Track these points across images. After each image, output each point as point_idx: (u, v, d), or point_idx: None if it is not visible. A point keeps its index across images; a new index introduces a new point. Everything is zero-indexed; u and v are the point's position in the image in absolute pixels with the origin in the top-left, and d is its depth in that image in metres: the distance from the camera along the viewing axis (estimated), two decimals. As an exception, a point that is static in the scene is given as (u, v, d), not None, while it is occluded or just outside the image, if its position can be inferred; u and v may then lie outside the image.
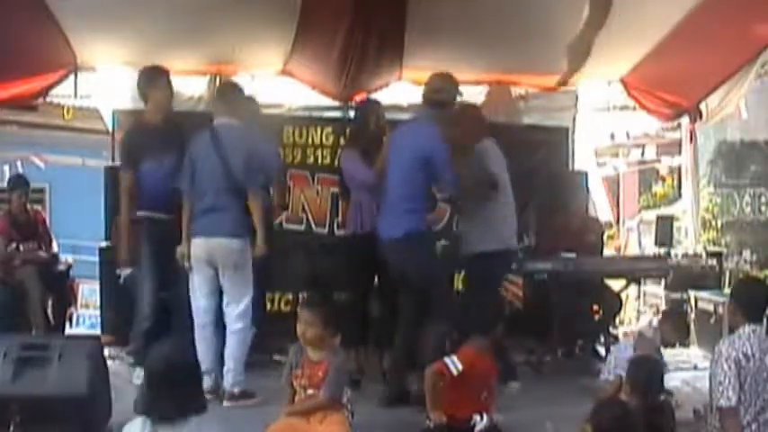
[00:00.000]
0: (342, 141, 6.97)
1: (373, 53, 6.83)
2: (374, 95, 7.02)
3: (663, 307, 7.76)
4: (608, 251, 8.89)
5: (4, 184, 7.89)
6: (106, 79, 7.09)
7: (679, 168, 9.44)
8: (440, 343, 5.02)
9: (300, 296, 6.60)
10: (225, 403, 5.14)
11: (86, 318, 9.73)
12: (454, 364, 4.41)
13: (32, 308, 6.75)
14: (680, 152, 8.90)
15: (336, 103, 7.61)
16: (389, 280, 5.54)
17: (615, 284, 7.12)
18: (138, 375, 5.07)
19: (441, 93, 5.37)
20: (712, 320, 7.05)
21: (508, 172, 5.84)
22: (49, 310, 7.10)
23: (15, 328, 6.18)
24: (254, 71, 7.31)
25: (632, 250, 10.81)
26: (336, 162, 6.56)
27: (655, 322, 5.81)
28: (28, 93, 6.92)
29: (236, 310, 5.22)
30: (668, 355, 5.81)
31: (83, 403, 4.42)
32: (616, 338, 6.88)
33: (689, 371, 6.33)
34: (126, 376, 5.56)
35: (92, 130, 9.74)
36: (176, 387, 3.10)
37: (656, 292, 8.55)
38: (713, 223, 10.03)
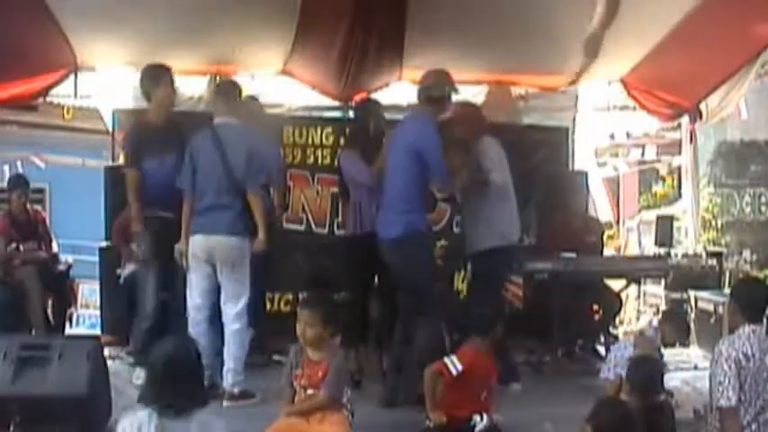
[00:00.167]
0: (342, 141, 6.97)
1: (373, 53, 6.83)
2: (374, 95, 7.02)
3: (663, 307, 7.76)
4: (608, 251, 8.89)
5: (4, 184, 7.88)
6: (106, 79, 7.09)
7: (679, 168, 9.44)
8: (436, 343, 5.03)
9: (300, 296, 6.60)
10: (225, 403, 5.14)
11: (86, 318, 9.73)
12: (454, 364, 4.41)
13: (32, 308, 6.75)
14: (680, 152, 8.90)
15: (336, 103, 7.61)
16: (389, 280, 5.54)
17: (615, 284, 7.12)
18: (138, 375, 5.08)
19: (433, 88, 5.35)
20: (712, 320, 7.05)
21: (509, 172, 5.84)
22: (49, 310, 7.10)
23: (15, 328, 6.18)
24: (254, 71, 7.31)
25: (632, 250, 10.82)
26: (336, 162, 6.56)
27: (655, 322, 5.81)
28: (28, 93, 6.91)
29: (234, 309, 5.22)
30: (668, 355, 5.80)
31: (83, 403, 4.42)
32: (616, 338, 6.88)
33: (689, 371, 6.33)
34: (126, 376, 5.56)
35: (92, 130, 9.75)
36: (181, 379, 3.11)
37: (656, 292, 8.56)
38: (713, 223, 10.04)
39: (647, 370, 4.31)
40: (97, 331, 7.30)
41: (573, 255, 6.42)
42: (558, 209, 7.06)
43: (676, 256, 6.76)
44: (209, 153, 5.25)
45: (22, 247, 6.97)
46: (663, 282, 7.37)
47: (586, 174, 8.14)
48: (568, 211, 7.07)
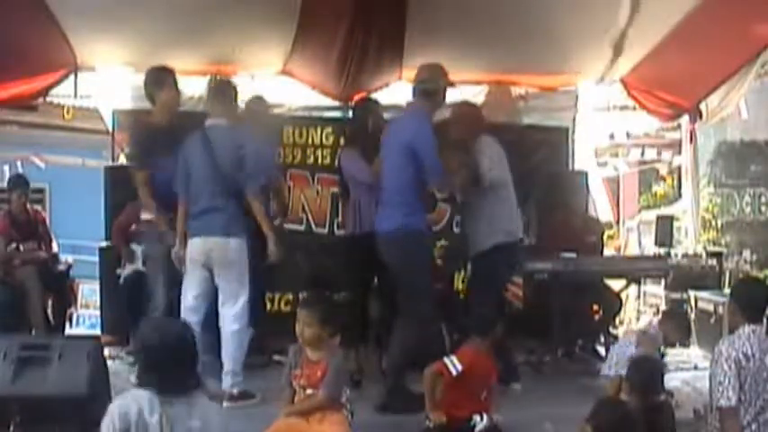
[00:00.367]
0: (342, 141, 6.97)
1: (373, 53, 6.83)
2: (374, 95, 7.02)
3: (663, 307, 7.76)
4: (608, 251, 8.89)
5: (4, 184, 7.88)
6: (106, 79, 7.09)
7: (679, 168, 9.44)
8: (435, 343, 5.03)
9: (300, 296, 6.60)
10: (224, 404, 5.14)
11: (86, 318, 9.73)
12: (454, 364, 4.41)
13: (32, 308, 6.75)
14: (680, 152, 8.90)
15: (336, 103, 7.61)
16: (389, 280, 5.53)
17: (615, 284, 7.12)
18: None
19: (428, 82, 5.32)
20: (712, 320, 7.05)
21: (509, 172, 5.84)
22: (49, 310, 7.10)
23: (15, 328, 6.18)
24: (254, 71, 7.31)
25: (632, 250, 10.82)
26: (336, 162, 6.57)
27: (656, 322, 5.81)
28: (28, 93, 6.91)
29: (232, 311, 5.20)
30: (668, 355, 5.80)
31: (83, 403, 4.42)
32: (616, 338, 6.87)
33: (689, 371, 6.33)
34: (126, 376, 5.55)
35: (92, 130, 9.75)
36: (178, 360, 3.11)
37: (656, 292, 8.55)
38: (713, 223, 10.04)
39: (648, 370, 4.31)
40: (97, 331, 7.30)
41: (573, 255, 6.41)
42: (557, 209, 7.06)
43: (676, 256, 6.76)
44: (199, 155, 5.23)
45: (22, 247, 6.97)
46: (663, 282, 7.37)
47: (586, 174, 8.14)
48: (568, 211, 7.07)
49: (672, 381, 5.41)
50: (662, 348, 5.40)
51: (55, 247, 7.32)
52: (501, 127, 7.56)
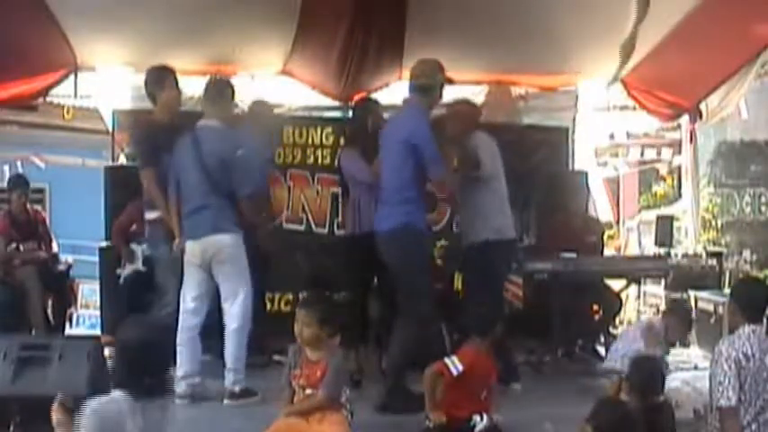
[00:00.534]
0: (342, 141, 6.97)
1: (373, 53, 6.84)
2: (374, 95, 7.02)
3: (663, 307, 7.76)
4: (608, 251, 8.89)
5: (4, 184, 7.89)
6: (106, 79, 7.09)
7: (679, 168, 9.44)
8: (435, 343, 5.02)
9: (300, 296, 6.60)
10: (225, 402, 5.14)
11: (86, 318, 9.73)
12: (454, 364, 4.40)
13: (32, 308, 6.75)
14: (680, 152, 8.90)
15: (336, 103, 7.62)
16: (389, 280, 5.53)
17: (615, 284, 7.12)
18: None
19: (423, 78, 5.30)
20: (712, 320, 7.05)
21: (508, 171, 5.84)
22: (49, 310, 7.10)
23: (15, 328, 6.18)
24: (254, 71, 7.31)
25: (632, 250, 10.82)
26: (336, 162, 6.57)
27: (660, 317, 5.80)
28: (28, 93, 6.92)
29: (233, 308, 5.18)
30: (670, 354, 5.81)
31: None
32: (616, 338, 6.88)
33: (689, 371, 6.32)
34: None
35: (92, 130, 9.74)
36: (153, 361, 3.10)
37: (656, 292, 8.55)
38: (713, 223, 10.05)
39: (648, 370, 4.30)
40: (97, 331, 7.30)
41: (573, 255, 6.41)
42: (557, 209, 7.06)
43: (676, 256, 6.75)
44: (188, 157, 5.22)
45: (22, 247, 6.97)
46: (663, 282, 7.36)
47: (586, 174, 8.14)
48: (568, 211, 7.07)
49: (672, 381, 5.40)
50: (664, 343, 5.41)
51: (55, 247, 7.32)
52: (501, 127, 7.56)
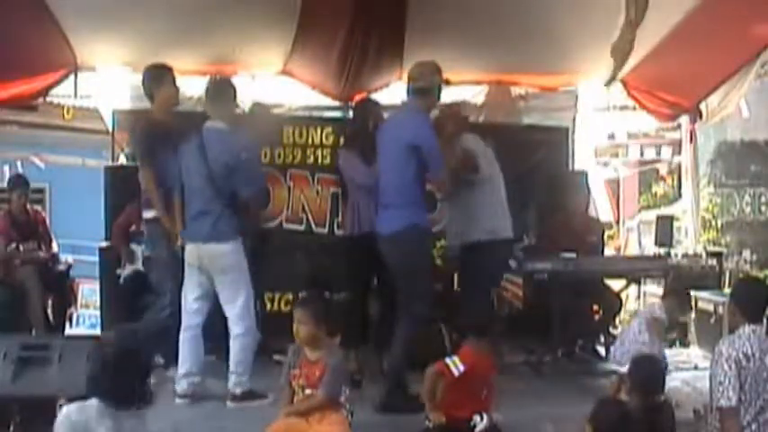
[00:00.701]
0: (342, 141, 6.97)
1: (373, 53, 6.83)
2: (374, 95, 7.02)
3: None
4: (608, 251, 8.89)
5: (4, 184, 7.88)
6: (106, 79, 7.09)
7: (679, 168, 9.44)
8: (435, 343, 5.02)
9: (300, 296, 6.61)
10: (228, 404, 5.14)
11: (86, 318, 9.73)
12: (456, 365, 4.40)
13: (32, 308, 6.75)
14: (680, 152, 8.90)
15: (336, 103, 7.62)
16: (389, 279, 5.53)
17: (615, 284, 7.12)
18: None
19: (420, 80, 5.29)
20: (712, 320, 7.06)
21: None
22: (49, 310, 7.10)
23: (15, 328, 6.18)
24: (254, 71, 7.31)
25: (632, 250, 10.81)
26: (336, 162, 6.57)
27: (660, 303, 5.80)
28: (28, 93, 6.92)
29: (231, 313, 5.19)
30: (668, 354, 5.81)
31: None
32: (616, 339, 6.88)
33: (689, 371, 6.33)
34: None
35: (92, 130, 9.73)
36: (130, 372, 3.08)
37: (656, 292, 8.54)
38: (713, 223, 10.05)
39: (648, 369, 4.30)
40: (97, 331, 7.30)
41: (573, 255, 6.41)
42: (557, 209, 7.06)
43: (676, 256, 6.75)
44: (193, 159, 5.22)
45: (22, 247, 6.96)
46: (663, 282, 7.36)
47: (586, 174, 8.13)
48: (568, 211, 7.07)
49: (672, 381, 5.41)
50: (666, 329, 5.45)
51: (55, 247, 7.32)
52: (501, 127, 7.57)
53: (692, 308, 6.20)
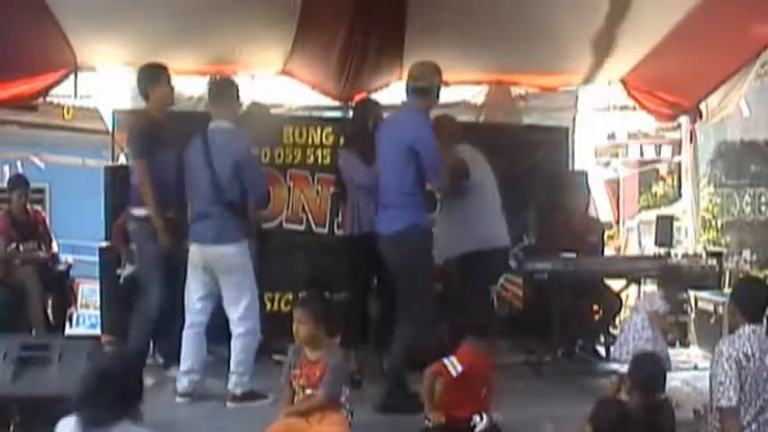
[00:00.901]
0: (342, 141, 6.97)
1: (373, 53, 6.83)
2: (374, 95, 7.02)
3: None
4: (608, 251, 8.89)
5: (4, 184, 7.89)
6: (106, 79, 7.10)
7: (679, 168, 9.44)
8: (435, 343, 5.02)
9: (300, 296, 6.61)
10: (228, 404, 5.15)
11: (86, 318, 9.73)
12: (454, 365, 4.40)
13: (32, 308, 6.75)
14: (680, 152, 8.90)
15: (336, 103, 7.62)
16: (389, 279, 5.53)
17: (615, 284, 7.12)
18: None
19: (420, 80, 5.28)
20: (712, 320, 7.06)
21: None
22: (49, 310, 7.10)
23: (15, 328, 6.18)
24: (254, 71, 7.31)
25: (632, 250, 10.81)
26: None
27: (658, 293, 5.80)
28: (28, 93, 6.92)
29: (236, 314, 5.19)
30: (669, 354, 5.81)
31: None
32: (616, 338, 6.88)
33: (689, 371, 6.33)
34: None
35: (92, 130, 9.73)
36: (107, 392, 3.04)
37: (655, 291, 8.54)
38: (713, 223, 10.04)
39: (649, 367, 4.30)
40: (97, 331, 7.30)
41: (573, 255, 6.41)
42: (557, 209, 7.06)
43: (676, 256, 6.75)
44: (198, 160, 5.21)
45: (22, 247, 6.97)
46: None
47: (586, 174, 8.14)
48: (568, 211, 7.07)
49: (672, 381, 5.40)
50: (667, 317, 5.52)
51: (55, 247, 7.32)
52: (501, 127, 7.57)
53: (687, 287, 6.19)
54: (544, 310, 6.31)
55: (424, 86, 5.24)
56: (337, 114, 7.74)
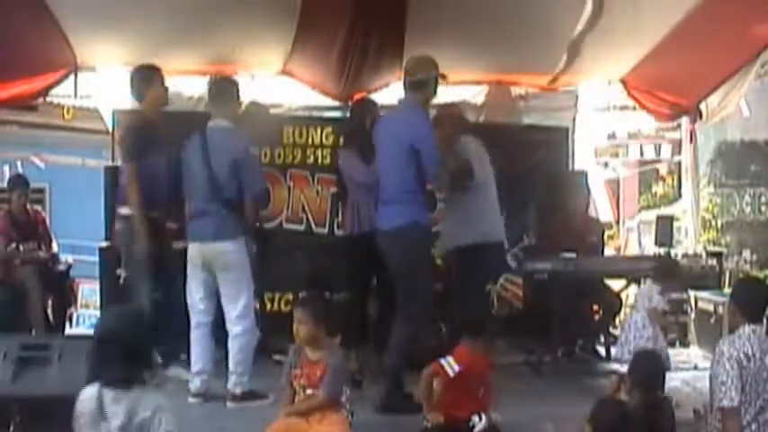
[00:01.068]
0: (342, 141, 6.97)
1: (373, 53, 6.83)
2: (374, 95, 7.02)
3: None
4: (608, 251, 8.89)
5: (4, 184, 7.89)
6: (106, 79, 7.09)
7: (679, 168, 9.44)
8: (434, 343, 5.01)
9: (300, 296, 6.60)
10: (228, 404, 5.15)
11: (86, 318, 9.73)
12: (451, 365, 4.39)
13: (32, 308, 6.76)
14: (680, 152, 8.90)
15: (336, 103, 7.61)
16: (389, 279, 5.52)
17: (615, 284, 7.12)
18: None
19: (416, 74, 5.27)
20: (712, 320, 7.05)
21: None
22: (49, 310, 7.10)
23: (15, 328, 6.18)
24: (254, 71, 7.31)
25: (632, 250, 10.81)
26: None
27: (657, 288, 5.81)
28: (28, 93, 6.92)
29: (234, 312, 5.19)
30: (669, 353, 5.81)
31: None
32: (616, 339, 6.88)
33: (689, 371, 6.33)
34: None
35: (92, 130, 9.73)
36: (119, 351, 3.07)
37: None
38: (713, 223, 10.04)
39: (648, 365, 4.30)
40: (97, 331, 7.28)
41: (573, 255, 6.41)
42: (557, 209, 7.06)
43: (676, 256, 6.75)
44: (195, 157, 5.22)
45: (22, 247, 6.97)
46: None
47: (586, 174, 8.14)
48: (568, 211, 7.07)
49: (672, 381, 5.41)
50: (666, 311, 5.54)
51: (55, 247, 7.32)
52: (501, 127, 7.57)
53: (679, 274, 6.20)
54: (544, 310, 6.31)
55: (420, 80, 5.23)
56: (337, 114, 7.74)
